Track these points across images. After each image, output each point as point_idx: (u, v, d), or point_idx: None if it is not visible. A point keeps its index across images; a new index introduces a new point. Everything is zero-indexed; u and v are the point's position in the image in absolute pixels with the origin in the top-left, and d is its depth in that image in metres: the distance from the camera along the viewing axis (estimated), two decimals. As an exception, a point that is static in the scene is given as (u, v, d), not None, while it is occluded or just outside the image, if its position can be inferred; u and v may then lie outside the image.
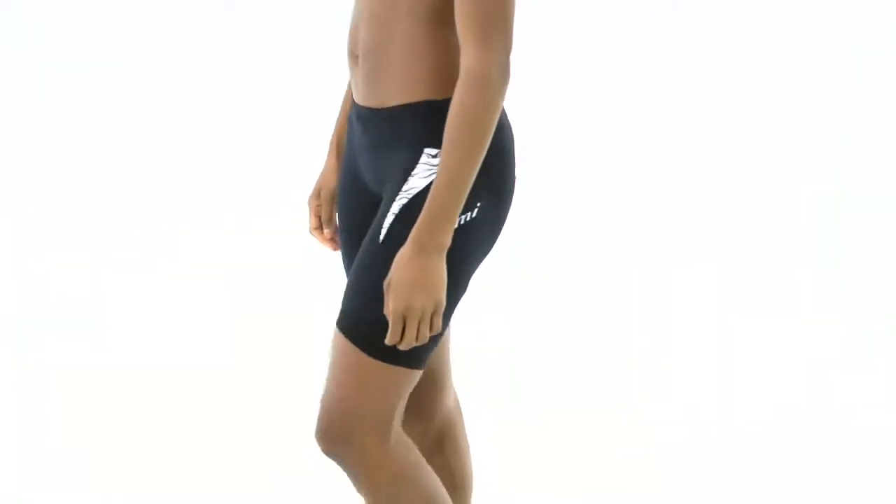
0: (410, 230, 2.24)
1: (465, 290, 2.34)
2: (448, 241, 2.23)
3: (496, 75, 2.19)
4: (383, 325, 2.27)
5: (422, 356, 2.34)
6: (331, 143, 2.64)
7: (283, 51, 6.87)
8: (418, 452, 2.46)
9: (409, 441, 2.45)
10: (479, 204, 2.29)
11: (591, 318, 4.31)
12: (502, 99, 2.21)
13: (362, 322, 2.32)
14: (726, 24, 7.21)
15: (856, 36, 7.11)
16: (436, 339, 2.33)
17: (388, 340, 2.25)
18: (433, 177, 2.27)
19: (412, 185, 2.30)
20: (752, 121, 6.09)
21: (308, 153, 5.70)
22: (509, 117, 2.40)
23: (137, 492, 3.43)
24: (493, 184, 2.31)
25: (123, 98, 6.38)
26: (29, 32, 7.24)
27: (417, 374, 2.36)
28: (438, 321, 2.25)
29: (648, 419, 3.74)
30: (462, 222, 2.28)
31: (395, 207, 2.30)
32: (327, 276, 4.11)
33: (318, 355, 4.07)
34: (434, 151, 2.29)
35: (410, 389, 2.39)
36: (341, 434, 2.37)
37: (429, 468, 2.46)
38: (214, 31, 7.23)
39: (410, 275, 2.22)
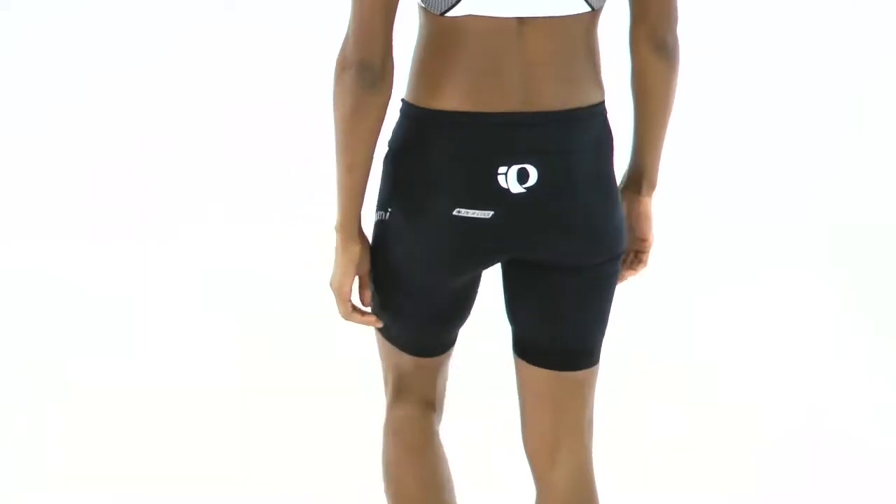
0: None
1: (394, 287, 2.38)
2: (342, 224, 2.32)
3: (335, 66, 2.24)
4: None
5: (385, 328, 2.45)
6: None
7: (283, 50, 6.87)
8: (402, 450, 2.53)
9: (402, 433, 2.53)
10: (390, 209, 2.33)
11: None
12: (344, 90, 2.23)
13: None
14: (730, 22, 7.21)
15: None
16: (389, 320, 2.43)
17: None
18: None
19: None
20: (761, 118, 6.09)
21: (309, 153, 5.71)
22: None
23: (138, 492, 3.44)
24: (402, 195, 2.32)
25: (123, 98, 6.38)
26: (29, 32, 7.24)
27: (404, 356, 2.49)
28: (340, 305, 2.37)
29: (664, 420, 3.75)
30: (379, 219, 2.35)
31: None
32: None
33: (317, 355, 4.08)
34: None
35: (399, 365, 2.51)
36: None
37: (407, 473, 2.53)
38: (214, 30, 7.23)
39: None
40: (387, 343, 2.52)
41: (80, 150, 5.82)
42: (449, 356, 2.56)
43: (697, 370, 4.03)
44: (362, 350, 4.13)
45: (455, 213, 2.28)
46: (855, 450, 3.61)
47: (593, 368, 2.45)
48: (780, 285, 4.58)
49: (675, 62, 2.33)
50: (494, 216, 2.28)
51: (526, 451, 2.52)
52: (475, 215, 2.28)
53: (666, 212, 4.85)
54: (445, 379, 2.59)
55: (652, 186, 2.45)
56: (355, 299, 2.41)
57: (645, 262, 2.50)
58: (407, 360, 2.52)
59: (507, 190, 2.26)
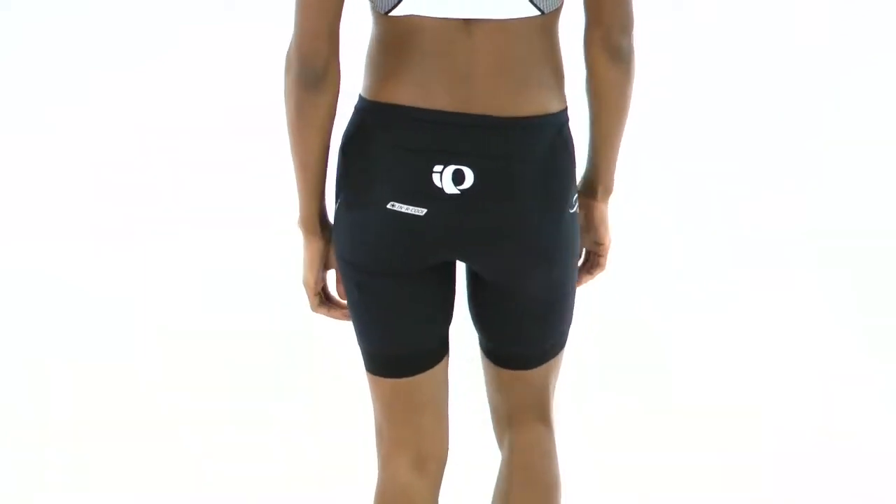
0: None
1: (347, 278, 2.36)
2: (302, 220, 2.39)
3: (285, 61, 2.28)
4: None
5: (367, 358, 2.41)
6: None
7: (283, 50, 6.87)
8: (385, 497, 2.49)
9: (390, 477, 2.47)
10: (340, 198, 2.34)
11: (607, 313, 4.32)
12: (289, 90, 2.26)
13: None
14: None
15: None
16: (359, 332, 2.40)
17: None
18: None
19: None
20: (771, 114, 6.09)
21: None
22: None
23: (139, 494, 3.44)
24: (347, 185, 2.32)
25: (123, 98, 6.37)
26: (29, 32, 7.23)
27: (384, 382, 2.41)
28: (309, 299, 2.42)
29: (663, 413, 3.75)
30: (335, 210, 2.36)
31: None
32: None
33: (318, 356, 4.08)
34: None
35: (383, 405, 2.43)
36: None
37: None
38: (214, 30, 7.22)
39: None
40: (369, 380, 2.45)
41: (80, 150, 5.82)
42: (436, 395, 2.45)
43: (693, 373, 4.03)
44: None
45: (389, 206, 2.27)
46: (848, 450, 3.61)
47: (551, 361, 2.45)
48: (773, 288, 4.58)
49: (628, 67, 2.29)
50: (428, 214, 2.26)
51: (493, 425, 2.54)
52: (409, 211, 2.27)
53: (660, 215, 4.84)
54: (442, 427, 2.48)
55: (607, 191, 2.42)
56: (336, 294, 2.44)
57: (602, 266, 2.49)
58: (387, 390, 2.43)
59: (442, 189, 2.24)
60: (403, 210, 2.27)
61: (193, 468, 3.52)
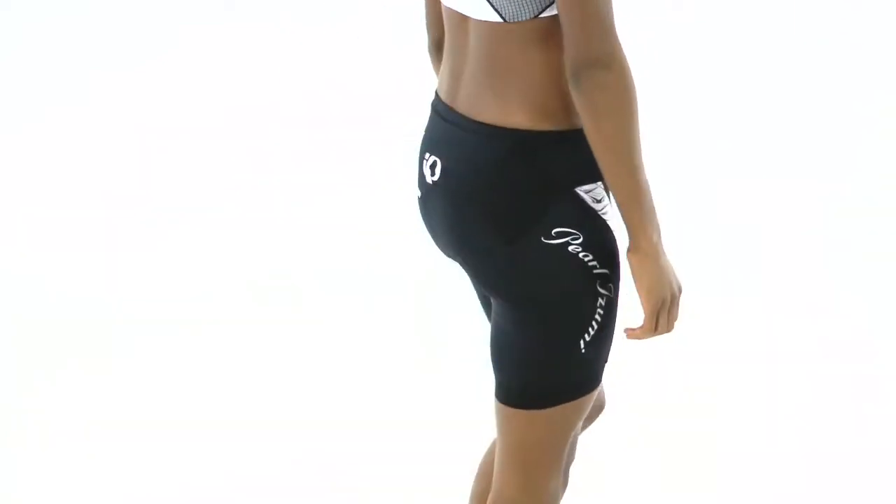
0: None
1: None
2: None
3: None
4: None
5: None
6: None
7: (283, 50, 6.87)
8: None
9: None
10: None
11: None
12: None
13: None
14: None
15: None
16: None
17: None
18: None
19: None
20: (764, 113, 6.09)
21: (310, 152, 5.71)
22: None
23: (138, 493, 3.44)
24: None
25: (123, 98, 6.37)
26: (29, 32, 7.24)
27: None
28: None
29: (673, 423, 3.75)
30: None
31: None
32: (339, 273, 4.12)
33: (321, 356, 4.08)
34: None
35: None
36: None
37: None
38: (214, 30, 7.22)
39: None
40: None
41: (80, 150, 5.82)
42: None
43: (692, 373, 4.03)
44: (367, 362, 4.14)
45: (418, 186, 2.36)
46: (848, 450, 3.61)
47: (525, 415, 2.27)
48: (773, 287, 4.58)
49: (589, 101, 2.08)
50: (420, 198, 2.35)
51: None
52: (418, 192, 2.36)
53: (659, 215, 4.83)
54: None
55: (635, 243, 2.18)
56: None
57: (645, 328, 2.22)
58: None
59: (425, 177, 2.31)
60: (417, 191, 2.37)
61: (194, 469, 3.53)
